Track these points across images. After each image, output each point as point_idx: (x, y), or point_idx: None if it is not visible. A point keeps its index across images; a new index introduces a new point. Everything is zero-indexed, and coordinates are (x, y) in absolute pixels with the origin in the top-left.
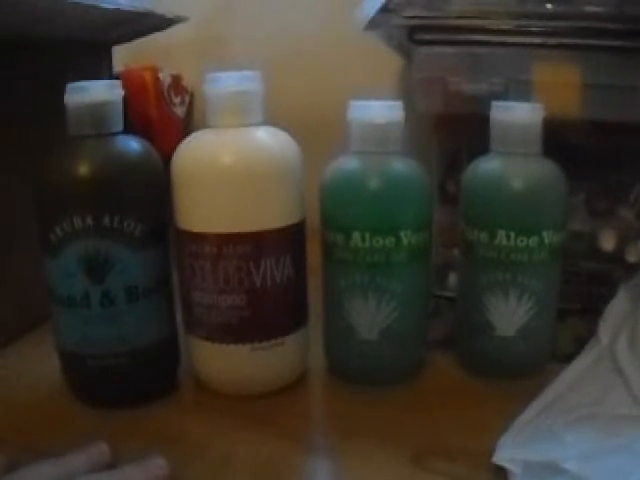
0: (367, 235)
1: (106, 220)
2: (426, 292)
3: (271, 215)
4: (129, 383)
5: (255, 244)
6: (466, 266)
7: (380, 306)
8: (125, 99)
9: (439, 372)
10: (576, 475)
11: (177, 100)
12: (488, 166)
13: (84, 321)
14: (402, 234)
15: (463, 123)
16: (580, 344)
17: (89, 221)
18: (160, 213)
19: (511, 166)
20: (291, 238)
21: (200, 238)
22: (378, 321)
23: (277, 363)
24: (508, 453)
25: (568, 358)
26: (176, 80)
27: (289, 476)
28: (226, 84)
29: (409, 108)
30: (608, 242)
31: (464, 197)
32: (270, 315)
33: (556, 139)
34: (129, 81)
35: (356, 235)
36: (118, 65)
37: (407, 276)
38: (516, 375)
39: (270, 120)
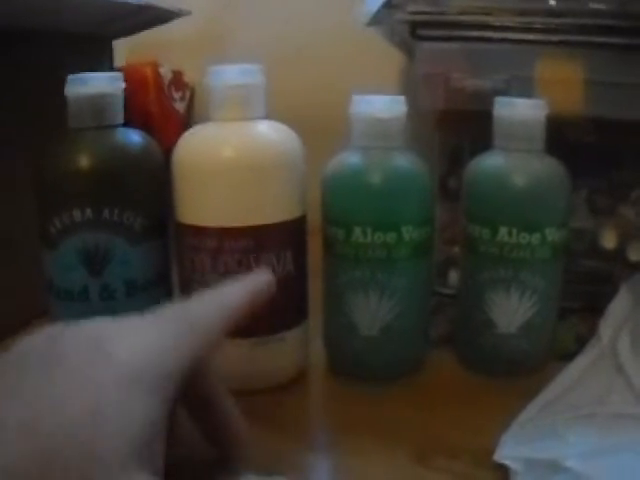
0: (368, 230)
1: (106, 213)
2: (428, 288)
3: (273, 209)
4: None
5: (256, 238)
6: (467, 262)
7: (381, 302)
8: (126, 94)
9: (440, 369)
10: (578, 473)
11: (178, 95)
12: (490, 162)
13: (83, 315)
14: (404, 230)
15: (466, 119)
16: (581, 343)
17: (88, 214)
18: (160, 207)
19: (514, 162)
20: (292, 233)
21: (201, 232)
22: (379, 317)
23: (277, 359)
24: (510, 451)
25: (569, 357)
26: (177, 76)
27: (288, 474)
28: (228, 77)
29: (412, 104)
30: (609, 240)
31: (466, 193)
32: (270, 310)
33: (559, 137)
34: (130, 76)
35: (357, 230)
36: (120, 60)
37: (409, 272)
38: (517, 373)
39: (273, 116)
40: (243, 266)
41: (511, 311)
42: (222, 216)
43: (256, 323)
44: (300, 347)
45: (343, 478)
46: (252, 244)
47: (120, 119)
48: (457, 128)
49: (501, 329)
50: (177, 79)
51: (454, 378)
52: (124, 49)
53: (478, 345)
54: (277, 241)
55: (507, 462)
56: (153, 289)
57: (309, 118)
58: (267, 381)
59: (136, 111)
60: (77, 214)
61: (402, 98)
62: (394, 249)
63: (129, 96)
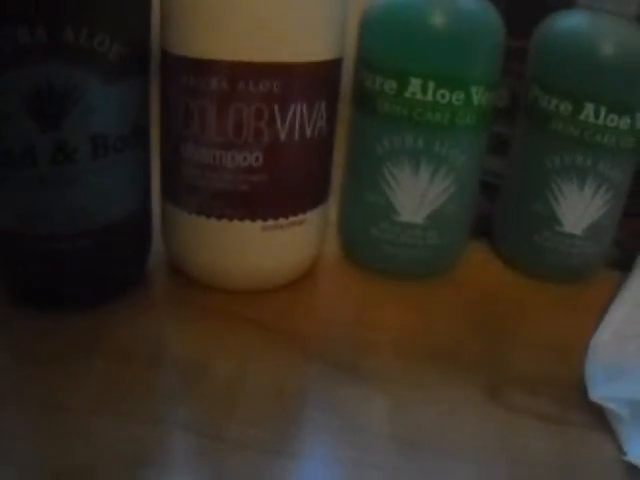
0: (431, 85)
1: (69, 34)
2: (480, 169)
3: (309, 42)
4: (88, 275)
5: (284, 79)
6: (534, 142)
7: (433, 181)
8: None
9: (483, 268)
10: None
11: None
12: None
13: (27, 186)
14: (473, 90)
15: None
16: (622, 248)
17: (42, 34)
18: (143, 30)
19: None
20: (329, 78)
21: (204, 67)
22: (428, 200)
23: (292, 248)
24: (605, 390)
25: (612, 264)
26: None
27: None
28: None
29: None
30: None
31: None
32: (292, 182)
33: None
34: None
35: (415, 83)
36: None
37: (471, 145)
38: (571, 280)
39: None
40: (263, 120)
41: (582, 207)
42: (238, 46)
43: (272, 199)
44: (319, 234)
45: (397, 414)
46: (279, 87)
47: None
48: None
49: (566, 228)
50: None
51: (500, 280)
52: None
53: (533, 243)
54: (312, 87)
55: (610, 405)
56: (129, 149)
57: None
58: (275, 278)
59: None
60: (24, 34)
61: None
62: (459, 114)
63: None
